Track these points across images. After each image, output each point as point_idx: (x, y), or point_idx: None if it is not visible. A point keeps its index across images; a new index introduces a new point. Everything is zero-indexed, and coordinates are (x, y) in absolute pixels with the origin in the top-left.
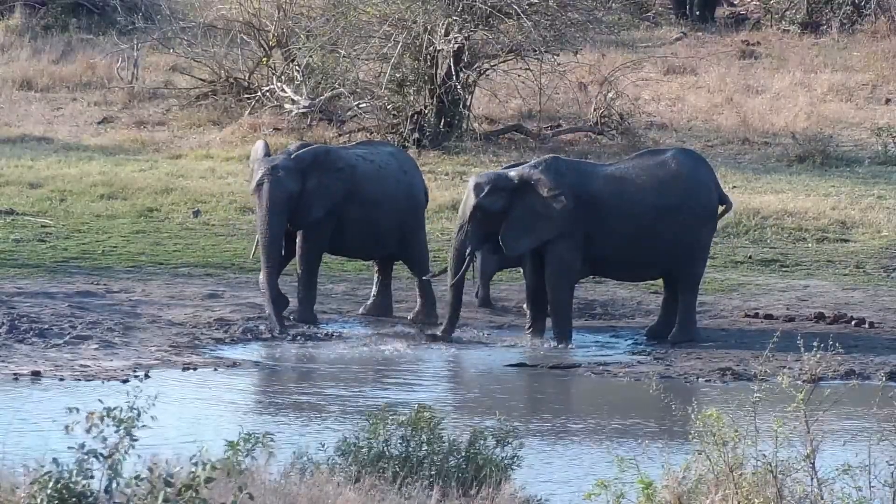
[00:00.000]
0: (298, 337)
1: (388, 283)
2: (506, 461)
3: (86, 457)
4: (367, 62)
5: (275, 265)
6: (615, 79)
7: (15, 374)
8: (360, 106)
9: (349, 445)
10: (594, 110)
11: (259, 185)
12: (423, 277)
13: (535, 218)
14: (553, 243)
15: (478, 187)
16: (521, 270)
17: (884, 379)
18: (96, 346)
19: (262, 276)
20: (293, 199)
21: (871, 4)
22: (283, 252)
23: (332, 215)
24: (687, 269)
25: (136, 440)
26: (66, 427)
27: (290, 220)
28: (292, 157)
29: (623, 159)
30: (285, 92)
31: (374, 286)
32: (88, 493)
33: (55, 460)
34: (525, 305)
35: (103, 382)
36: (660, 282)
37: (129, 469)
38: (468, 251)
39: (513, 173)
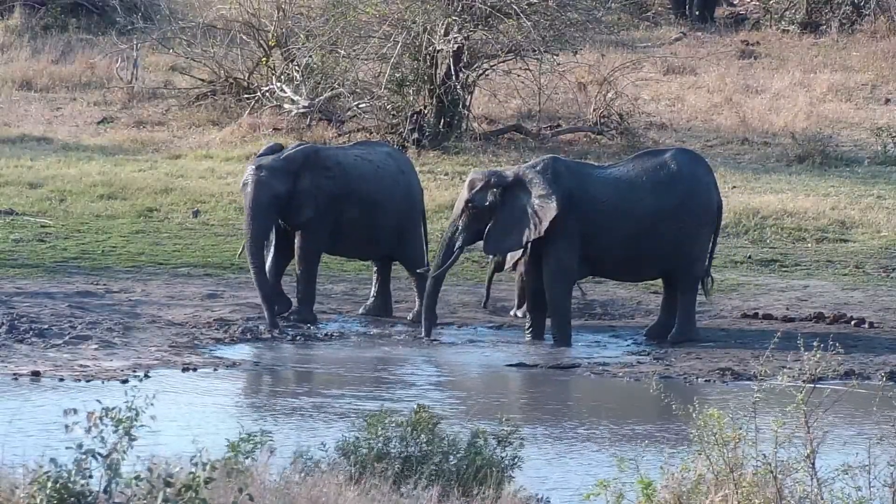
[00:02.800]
0: (298, 337)
1: (387, 283)
2: (506, 461)
3: (84, 457)
4: (366, 62)
5: (260, 264)
6: (615, 79)
7: (15, 374)
8: (360, 106)
9: (349, 445)
10: (594, 110)
11: (244, 184)
12: (418, 271)
13: (525, 216)
14: (551, 244)
15: (471, 183)
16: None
17: (884, 379)
18: (96, 346)
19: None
20: (279, 199)
21: (871, 4)
22: (271, 251)
23: (329, 215)
24: (686, 270)
25: (134, 440)
26: (66, 427)
27: (283, 219)
28: (282, 157)
29: (622, 160)
30: (285, 92)
31: (373, 286)
32: (87, 493)
33: (54, 460)
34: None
35: (103, 382)
36: (660, 282)
37: (129, 469)
38: (457, 246)
39: (508, 171)
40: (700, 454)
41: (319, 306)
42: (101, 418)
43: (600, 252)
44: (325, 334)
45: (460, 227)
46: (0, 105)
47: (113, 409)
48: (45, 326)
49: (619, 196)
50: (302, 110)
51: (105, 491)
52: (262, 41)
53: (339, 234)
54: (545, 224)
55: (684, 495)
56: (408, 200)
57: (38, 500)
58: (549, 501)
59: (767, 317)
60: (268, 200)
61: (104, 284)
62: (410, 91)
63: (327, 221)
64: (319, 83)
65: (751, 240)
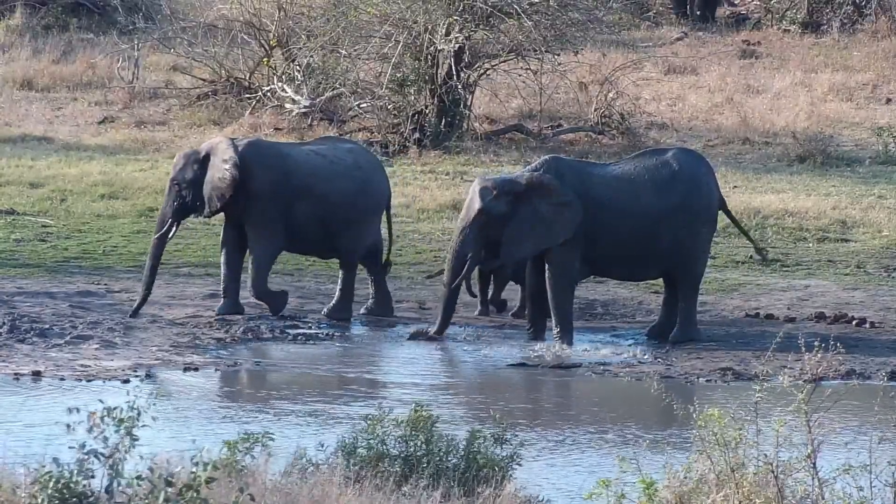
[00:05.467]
0: (299, 337)
1: (382, 282)
2: (506, 461)
3: (86, 457)
4: (367, 62)
5: (157, 244)
6: (616, 78)
7: (16, 373)
8: (361, 106)
9: (349, 446)
10: (595, 110)
11: None
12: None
13: (540, 223)
14: (555, 255)
15: (484, 191)
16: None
17: (885, 379)
18: (97, 345)
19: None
20: (180, 187)
21: (872, 4)
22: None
23: (273, 211)
24: (687, 269)
25: (136, 440)
26: (67, 427)
27: (194, 209)
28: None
29: (623, 159)
30: (286, 92)
31: (370, 287)
32: (89, 493)
33: (56, 460)
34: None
35: (104, 382)
36: (660, 282)
37: (130, 469)
38: (469, 256)
39: (520, 178)
40: (701, 454)
41: (320, 306)
42: (102, 418)
43: (602, 252)
44: (326, 334)
45: (471, 237)
46: (1, 105)
47: (115, 408)
48: (47, 326)
49: (621, 195)
50: (303, 110)
51: (107, 491)
52: (263, 41)
53: (294, 230)
54: (564, 227)
55: (685, 495)
56: (363, 197)
57: (39, 500)
58: (549, 501)
59: (769, 316)
60: (169, 186)
61: (105, 284)
62: (411, 91)
63: (273, 217)
64: (321, 83)
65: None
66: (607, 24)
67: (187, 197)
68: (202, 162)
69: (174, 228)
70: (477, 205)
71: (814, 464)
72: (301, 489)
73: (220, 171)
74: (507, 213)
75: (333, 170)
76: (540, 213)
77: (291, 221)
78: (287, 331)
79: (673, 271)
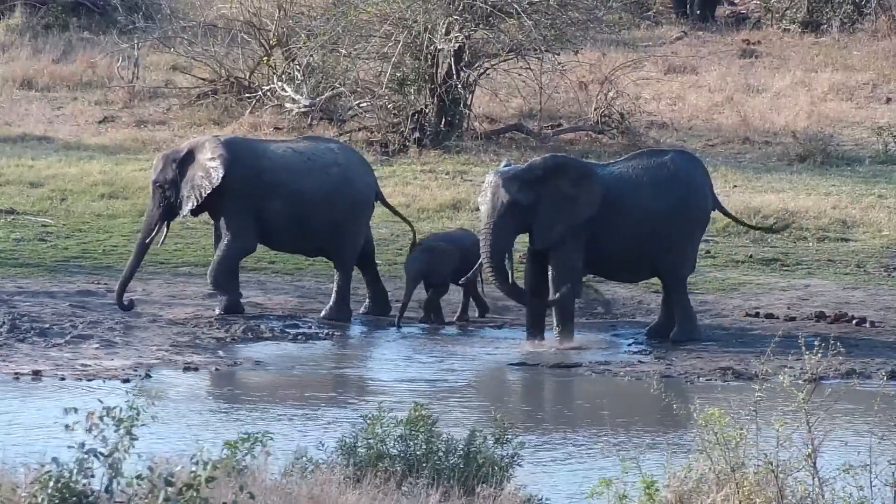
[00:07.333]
0: (299, 336)
1: (377, 281)
2: (506, 460)
3: (86, 456)
4: (367, 61)
5: (139, 248)
6: (616, 78)
7: (16, 373)
8: (361, 105)
9: (349, 445)
10: (595, 109)
11: None
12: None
13: (565, 201)
14: (559, 243)
15: (508, 182)
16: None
17: (885, 378)
18: (97, 345)
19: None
20: (162, 188)
21: (872, 4)
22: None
23: (242, 207)
24: (675, 269)
25: (136, 439)
26: (66, 427)
27: (175, 210)
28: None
29: (619, 159)
30: (286, 91)
31: (366, 287)
32: (89, 493)
33: (55, 460)
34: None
35: (104, 382)
36: (659, 281)
37: (130, 468)
38: (508, 251)
39: (535, 165)
40: (701, 454)
41: (320, 305)
42: (101, 418)
43: (603, 251)
44: (327, 333)
45: (504, 231)
46: (1, 104)
47: (114, 408)
48: (47, 326)
49: (625, 195)
50: (303, 110)
51: (106, 490)
52: (263, 40)
53: (268, 226)
54: (595, 204)
55: (686, 495)
56: (341, 194)
57: (39, 500)
58: (550, 500)
59: (769, 316)
60: (153, 189)
61: (105, 284)
62: (411, 90)
63: (244, 213)
64: (320, 82)
65: (752, 239)
66: (607, 24)
67: (171, 197)
68: (182, 161)
69: (164, 231)
70: (505, 198)
71: (814, 463)
72: (301, 489)
73: (205, 168)
74: (534, 199)
75: (308, 166)
76: (563, 191)
77: (267, 218)
78: (287, 330)
79: (661, 271)
